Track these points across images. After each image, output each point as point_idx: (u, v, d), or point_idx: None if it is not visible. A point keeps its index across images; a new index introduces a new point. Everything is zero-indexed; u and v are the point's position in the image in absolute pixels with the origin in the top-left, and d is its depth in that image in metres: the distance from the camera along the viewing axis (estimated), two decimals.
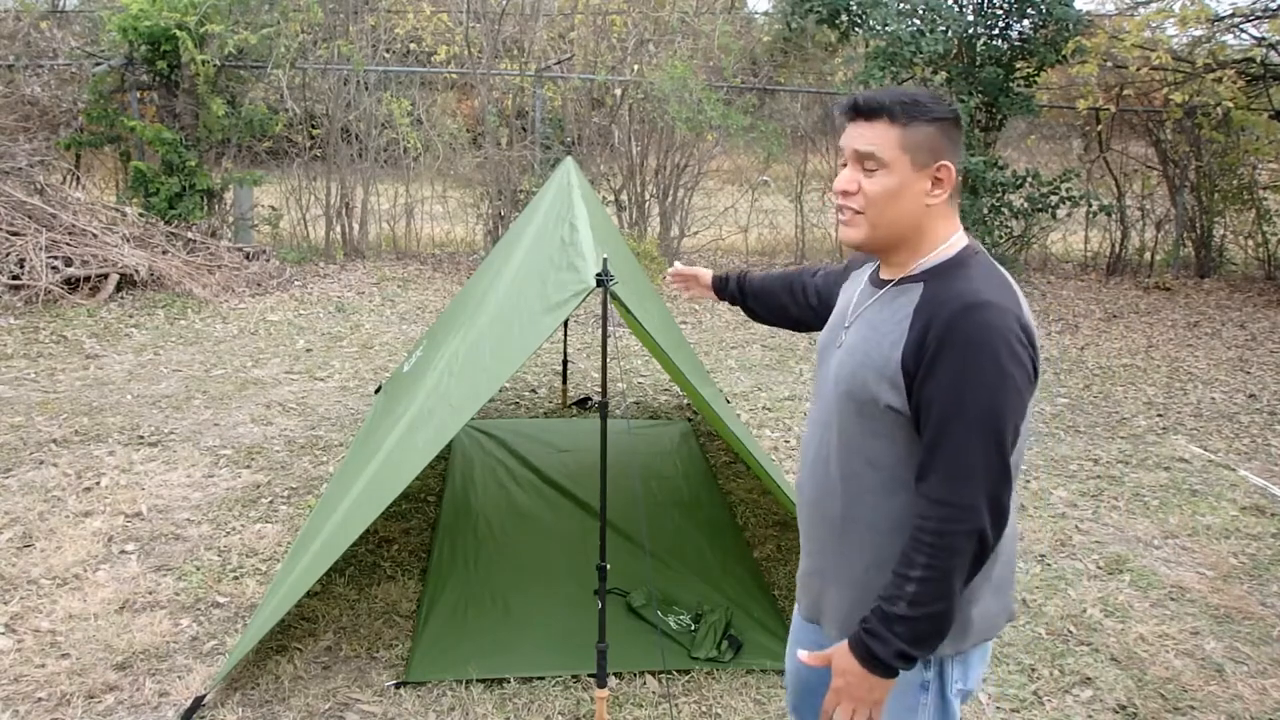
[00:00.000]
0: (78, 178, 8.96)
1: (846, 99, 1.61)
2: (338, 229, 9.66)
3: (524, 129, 9.58)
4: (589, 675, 2.86)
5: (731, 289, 2.38)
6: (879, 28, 8.45)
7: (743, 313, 2.42)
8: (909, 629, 1.47)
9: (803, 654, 1.63)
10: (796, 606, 1.87)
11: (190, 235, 8.39)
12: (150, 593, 3.32)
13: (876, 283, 1.67)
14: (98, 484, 4.20)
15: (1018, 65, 8.89)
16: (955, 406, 1.44)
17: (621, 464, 4.29)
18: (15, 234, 7.40)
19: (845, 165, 1.62)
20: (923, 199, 1.56)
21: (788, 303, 2.23)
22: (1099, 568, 3.80)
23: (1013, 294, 1.52)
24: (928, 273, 1.57)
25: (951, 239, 1.59)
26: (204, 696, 2.71)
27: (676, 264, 2.47)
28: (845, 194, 1.59)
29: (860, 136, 1.57)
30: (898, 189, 1.55)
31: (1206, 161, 10.24)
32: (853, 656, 1.51)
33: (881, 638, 1.48)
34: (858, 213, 1.58)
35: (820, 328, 1.94)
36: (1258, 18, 9.07)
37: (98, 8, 9.27)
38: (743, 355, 6.99)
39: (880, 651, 1.48)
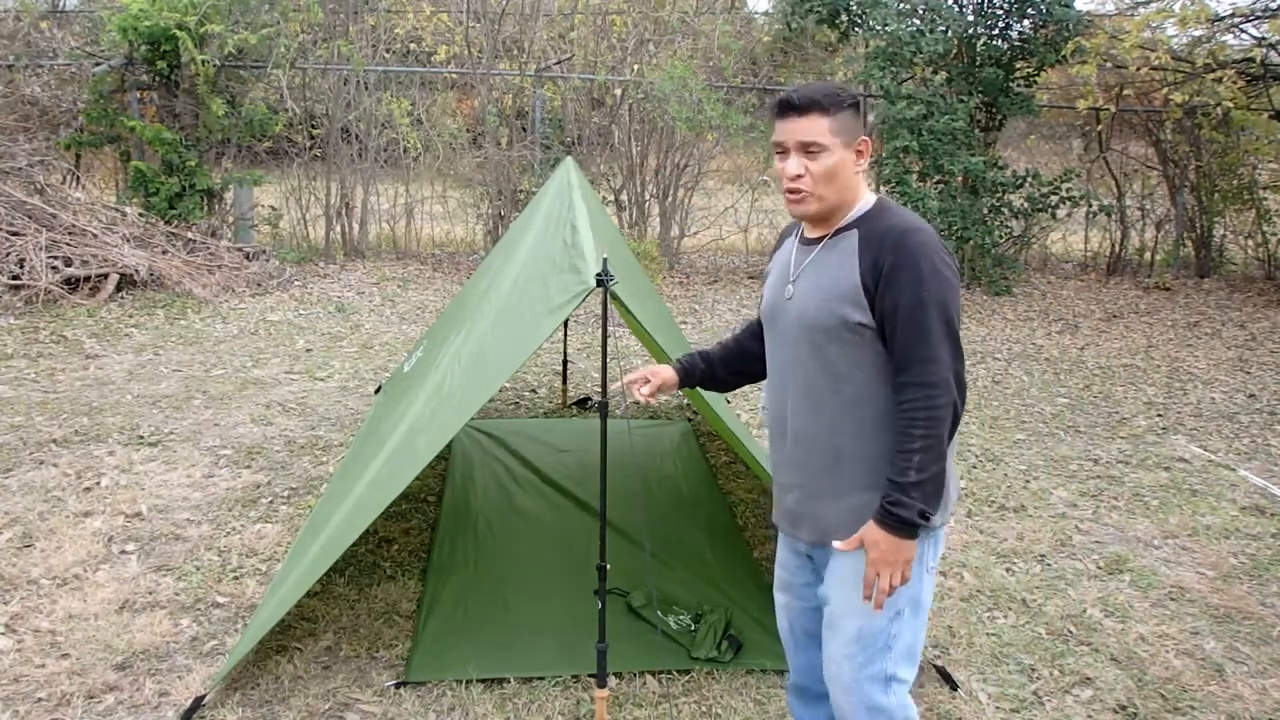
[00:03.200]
0: (78, 178, 8.97)
1: (780, 97, 1.93)
2: (338, 229, 9.66)
3: (524, 129, 9.58)
4: (589, 675, 2.86)
5: (699, 369, 2.34)
6: (879, 28, 8.46)
7: (717, 390, 2.41)
8: (921, 491, 1.81)
9: (838, 544, 1.92)
10: (787, 560, 2.15)
11: (190, 235, 8.39)
12: (150, 593, 3.32)
13: (808, 243, 2.02)
14: (98, 484, 4.20)
15: (1018, 65, 8.90)
16: (917, 307, 1.80)
17: (621, 464, 4.29)
18: (15, 234, 7.40)
19: (782, 156, 1.93)
20: (852, 169, 1.93)
21: (756, 346, 2.28)
22: (1099, 568, 3.80)
23: (929, 224, 1.91)
24: (855, 221, 1.94)
25: (866, 195, 1.98)
26: (204, 696, 2.71)
27: (627, 375, 2.33)
28: (797, 178, 1.90)
29: (799, 129, 1.89)
30: (836, 165, 1.90)
31: (1206, 161, 10.24)
32: (880, 529, 1.83)
33: (903, 504, 1.80)
34: (809, 192, 1.91)
35: None
36: (1258, 18, 9.07)
37: (98, 8, 9.27)
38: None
39: (905, 514, 1.80)
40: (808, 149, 1.89)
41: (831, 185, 1.90)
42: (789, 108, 1.90)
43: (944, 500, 1.91)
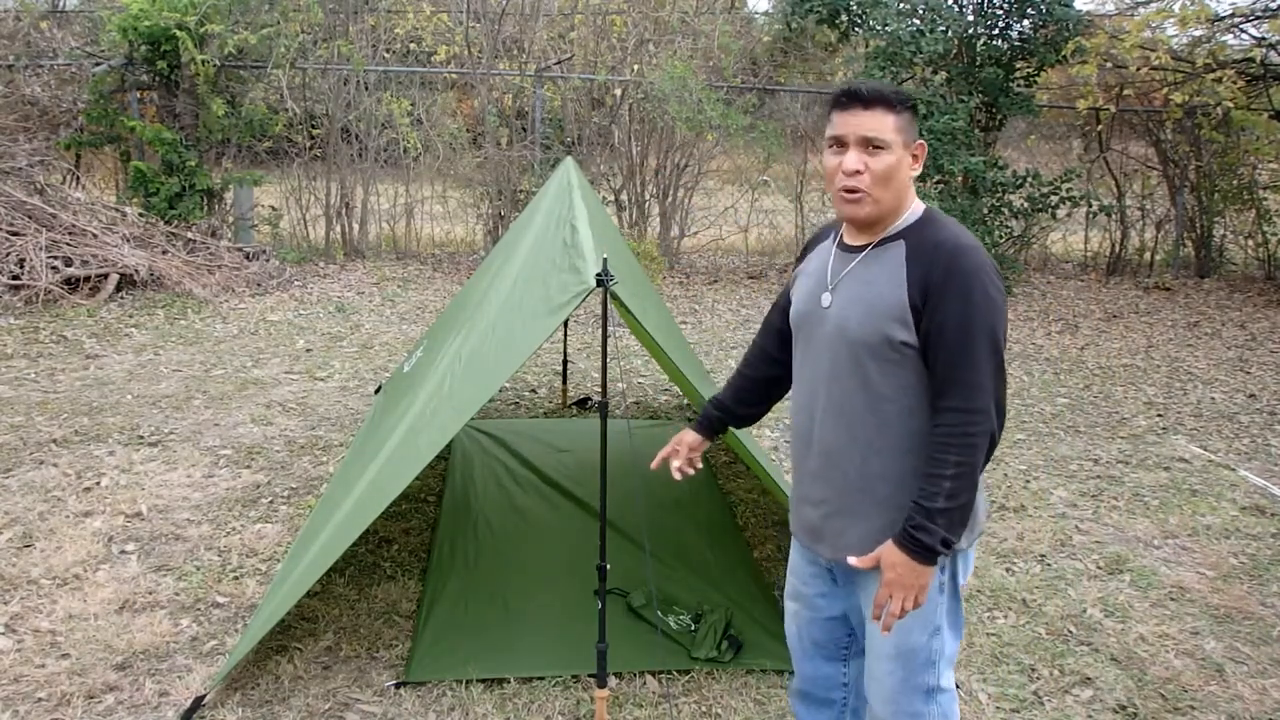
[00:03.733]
0: (78, 178, 8.97)
1: (844, 88, 1.83)
2: (338, 229, 9.66)
3: (524, 129, 9.58)
4: (589, 675, 2.86)
5: (716, 418, 2.26)
6: (879, 28, 8.45)
7: (744, 426, 2.33)
8: (947, 518, 1.75)
9: (853, 559, 1.87)
10: (801, 569, 2.10)
11: (190, 235, 8.39)
12: (150, 593, 3.32)
13: (848, 249, 1.92)
14: (98, 484, 4.20)
15: (1018, 65, 8.89)
16: (964, 329, 1.74)
17: (621, 464, 4.29)
18: (15, 234, 7.40)
19: (837, 151, 1.84)
20: (908, 173, 1.85)
21: (770, 370, 2.21)
22: (1099, 568, 3.80)
23: (978, 239, 1.82)
24: (902, 231, 1.86)
25: (915, 204, 1.90)
26: (204, 696, 2.71)
27: (658, 458, 2.26)
28: (855, 174, 1.80)
29: (864, 123, 1.80)
30: (896, 166, 1.82)
31: (1206, 161, 10.24)
32: (900, 551, 1.78)
33: (927, 529, 1.75)
34: (865, 191, 1.82)
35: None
36: (1258, 18, 9.07)
37: (98, 8, 9.27)
38: (743, 355, 6.98)
39: (928, 540, 1.75)
40: (871, 145, 1.80)
41: (888, 187, 1.82)
42: (855, 99, 1.80)
43: (972, 522, 1.88)
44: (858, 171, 1.80)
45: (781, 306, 2.17)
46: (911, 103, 1.85)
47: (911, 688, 1.93)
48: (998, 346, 1.76)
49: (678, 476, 2.22)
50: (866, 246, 1.88)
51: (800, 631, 2.16)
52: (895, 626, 1.89)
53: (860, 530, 1.90)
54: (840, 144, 1.84)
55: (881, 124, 1.79)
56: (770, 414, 5.53)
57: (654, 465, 2.26)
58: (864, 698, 2.10)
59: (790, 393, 2.10)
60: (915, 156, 1.86)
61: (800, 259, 2.12)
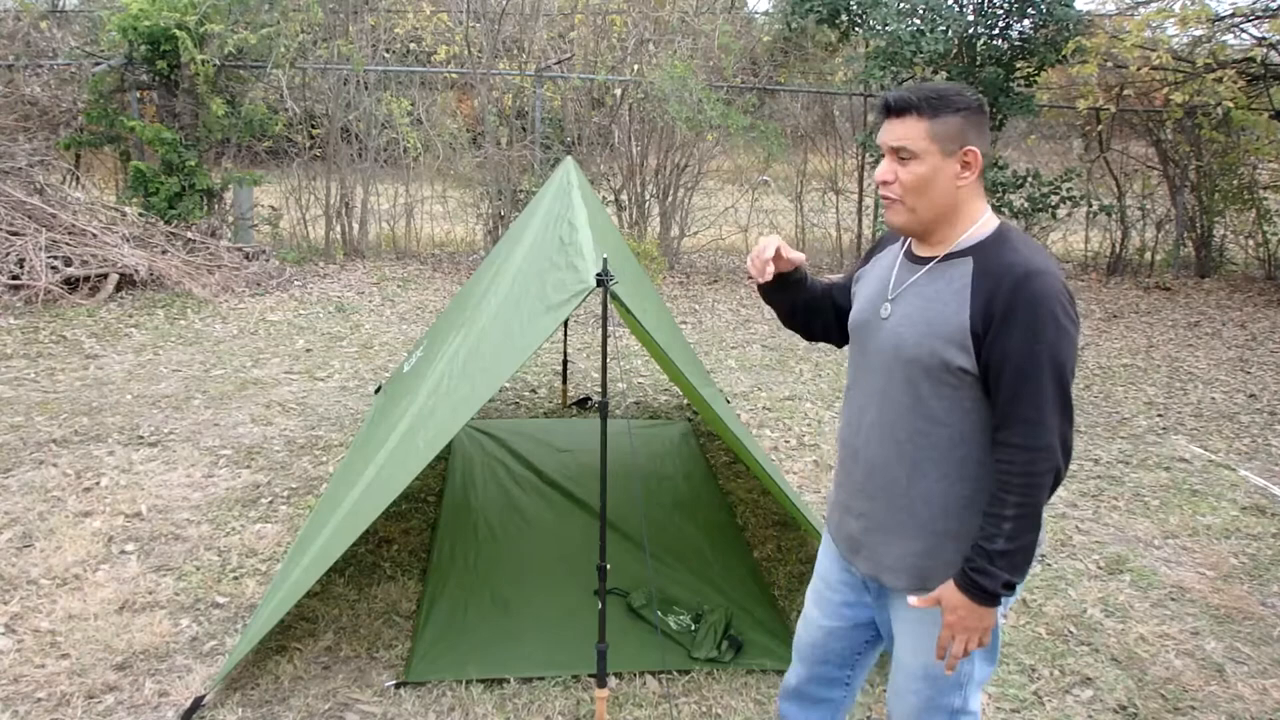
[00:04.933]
0: (78, 178, 8.97)
1: (883, 96, 1.79)
2: (338, 229, 9.66)
3: (524, 129, 9.58)
4: (589, 675, 2.86)
5: (806, 280, 2.08)
6: (879, 27, 8.45)
7: (782, 312, 2.14)
8: (1008, 560, 1.69)
9: (913, 599, 1.81)
10: (832, 577, 2.05)
11: (190, 235, 8.39)
12: (150, 593, 3.32)
13: (915, 260, 1.85)
14: (98, 484, 4.20)
15: (1018, 65, 8.89)
16: (1029, 361, 1.64)
17: (621, 464, 4.29)
18: (15, 234, 7.40)
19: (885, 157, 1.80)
20: (954, 182, 1.76)
21: (821, 306, 2.11)
22: (1099, 568, 3.80)
23: (1055, 262, 1.73)
24: (972, 248, 1.77)
25: (984, 216, 1.80)
26: (204, 696, 2.70)
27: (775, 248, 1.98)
28: (885, 183, 1.78)
29: (891, 132, 1.77)
30: (930, 175, 1.75)
31: (1206, 161, 10.24)
32: (962, 594, 1.73)
33: (988, 573, 1.69)
34: (899, 200, 1.78)
35: (824, 337, 2.15)
36: (1258, 18, 9.06)
37: (98, 8, 9.27)
38: (743, 355, 6.99)
39: (989, 585, 1.70)
40: (898, 154, 1.76)
41: (923, 197, 1.75)
42: (885, 107, 1.78)
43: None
44: (886, 181, 1.78)
45: (842, 287, 2.08)
46: (961, 105, 1.73)
47: (936, 707, 1.91)
48: (1064, 380, 1.66)
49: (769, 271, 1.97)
50: (933, 259, 1.81)
51: (814, 641, 2.11)
52: (927, 648, 1.86)
53: (899, 550, 1.86)
54: (883, 151, 1.82)
55: (910, 132, 1.74)
56: (771, 414, 5.55)
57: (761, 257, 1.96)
58: (856, 698, 2.10)
59: (843, 396, 2.03)
60: (966, 164, 1.76)
61: (866, 259, 2.05)
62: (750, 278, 2.08)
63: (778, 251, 1.98)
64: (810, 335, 2.17)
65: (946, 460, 1.78)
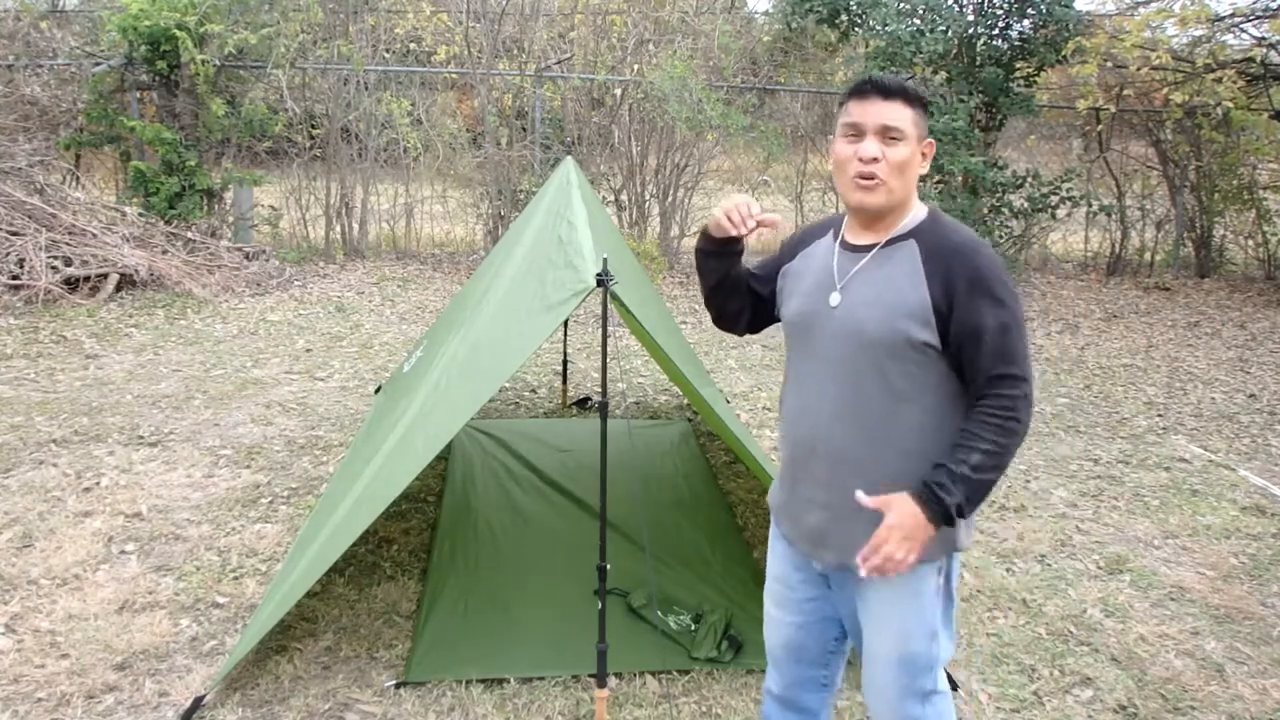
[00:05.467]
0: (78, 178, 8.97)
1: (864, 78, 1.83)
2: (338, 229, 9.66)
3: (524, 129, 9.57)
4: (589, 675, 2.86)
5: (738, 257, 2.06)
6: (879, 28, 8.45)
7: (710, 283, 2.09)
8: (969, 486, 1.76)
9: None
10: (788, 575, 2.08)
11: (190, 235, 8.39)
12: (150, 593, 3.32)
13: (853, 249, 1.90)
14: (98, 484, 4.20)
15: (1018, 65, 8.89)
16: (1002, 329, 1.76)
17: (621, 464, 4.29)
18: (15, 234, 7.40)
19: (852, 139, 1.83)
20: (918, 169, 1.86)
21: (738, 294, 2.09)
22: (1099, 568, 3.80)
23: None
24: (912, 231, 1.86)
25: (918, 204, 1.91)
26: (204, 696, 2.70)
27: (760, 213, 1.95)
28: (872, 161, 1.80)
29: (884, 112, 1.80)
30: (910, 158, 1.83)
31: (1206, 161, 10.24)
32: (916, 503, 1.77)
33: (948, 489, 1.76)
34: (883, 181, 1.81)
35: (734, 320, 2.13)
36: (1258, 18, 9.06)
37: (98, 8, 9.27)
38: (743, 355, 6.99)
39: (946, 499, 1.75)
40: (889, 134, 1.80)
41: (901, 178, 1.82)
42: (876, 88, 1.81)
43: (969, 521, 1.90)
44: (875, 159, 1.80)
45: (761, 277, 2.07)
46: (924, 99, 1.87)
47: (912, 692, 1.95)
48: (1026, 338, 1.83)
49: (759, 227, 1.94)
50: (873, 246, 1.87)
51: (787, 640, 2.12)
52: (896, 634, 1.91)
53: (871, 530, 1.84)
54: (856, 131, 1.82)
55: (901, 114, 1.81)
56: (771, 414, 5.55)
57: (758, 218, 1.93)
58: (833, 701, 2.14)
59: (784, 396, 2.03)
60: (924, 154, 1.87)
61: (790, 254, 2.04)
62: (711, 227, 1.97)
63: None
64: (721, 316, 2.14)
65: (917, 437, 1.84)
